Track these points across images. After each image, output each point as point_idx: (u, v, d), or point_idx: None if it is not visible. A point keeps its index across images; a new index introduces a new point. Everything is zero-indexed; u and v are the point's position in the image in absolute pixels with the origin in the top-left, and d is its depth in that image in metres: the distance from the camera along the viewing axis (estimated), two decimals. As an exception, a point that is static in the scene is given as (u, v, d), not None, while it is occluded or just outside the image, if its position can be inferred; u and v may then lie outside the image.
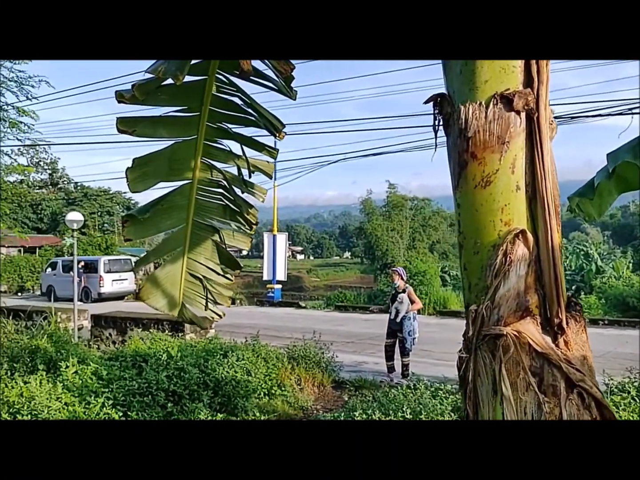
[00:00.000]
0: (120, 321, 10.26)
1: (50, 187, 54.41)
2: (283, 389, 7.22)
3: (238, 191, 2.58)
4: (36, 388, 5.42)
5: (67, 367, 6.05)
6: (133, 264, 25.33)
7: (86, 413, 5.42)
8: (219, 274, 2.76)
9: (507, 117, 1.61)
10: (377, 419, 5.27)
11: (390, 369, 8.50)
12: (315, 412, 6.96)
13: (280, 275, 21.52)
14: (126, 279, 23.68)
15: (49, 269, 24.53)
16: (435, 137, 1.71)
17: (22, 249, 38.70)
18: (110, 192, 55.10)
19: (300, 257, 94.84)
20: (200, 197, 2.59)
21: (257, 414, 6.35)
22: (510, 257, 1.53)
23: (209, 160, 2.52)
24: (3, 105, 8.09)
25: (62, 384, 5.76)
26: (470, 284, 1.66)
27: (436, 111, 1.68)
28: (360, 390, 7.48)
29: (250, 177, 2.50)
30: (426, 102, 1.67)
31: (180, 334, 9.16)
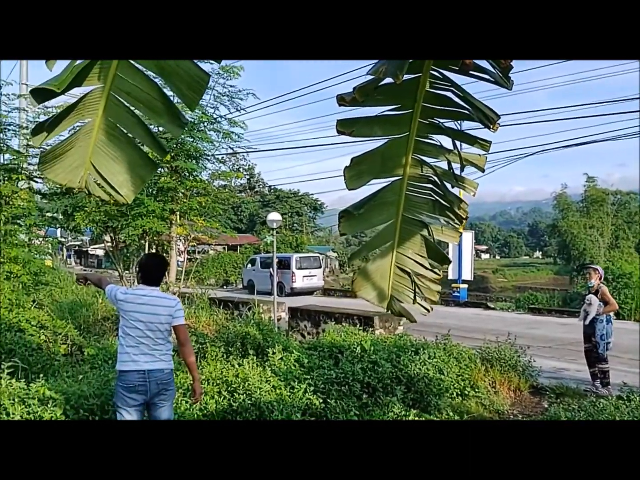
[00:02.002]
0: (315, 314, 10.88)
1: (248, 190, 59.75)
2: (477, 390, 7.03)
3: (449, 186, 2.59)
4: (249, 370, 6.02)
5: (273, 353, 6.62)
6: (321, 261, 26.76)
7: (291, 397, 5.87)
8: (427, 268, 2.79)
9: None
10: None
11: (593, 376, 7.84)
12: (512, 417, 6.65)
13: (467, 274, 20.92)
14: (315, 276, 25.02)
15: (249, 265, 26.97)
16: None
17: (226, 246, 43.20)
18: (299, 194, 58.80)
19: (485, 256, 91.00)
20: (410, 192, 2.65)
21: (451, 414, 6.28)
22: None
23: (419, 156, 2.57)
24: (218, 117, 9.15)
25: (270, 369, 6.32)
26: None
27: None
28: (561, 398, 6.95)
29: (462, 171, 2.49)
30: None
31: (370, 329, 9.41)
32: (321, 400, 5.97)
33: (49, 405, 4.41)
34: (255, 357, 6.53)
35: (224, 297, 14.41)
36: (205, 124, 9.03)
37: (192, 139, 8.82)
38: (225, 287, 31.38)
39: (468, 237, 21.74)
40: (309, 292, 24.32)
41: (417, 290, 2.81)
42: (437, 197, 2.64)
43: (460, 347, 7.88)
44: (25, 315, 7.47)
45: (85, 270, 21.34)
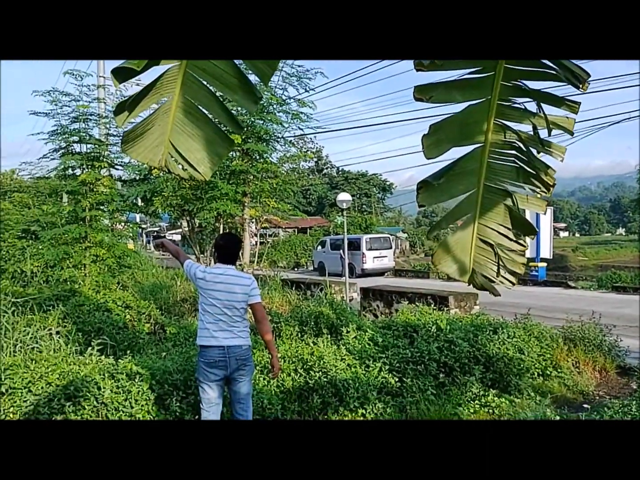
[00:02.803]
0: (387, 294, 10.77)
1: (316, 173, 59.94)
2: (559, 370, 6.75)
3: (534, 152, 2.44)
4: (324, 349, 6.06)
5: (347, 332, 6.63)
6: (391, 242, 26.50)
7: (366, 375, 5.86)
8: (511, 239, 2.65)
9: None
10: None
11: None
12: (597, 398, 6.35)
13: (545, 252, 20.02)
14: (385, 257, 24.80)
15: (319, 247, 27.10)
16: None
17: (295, 229, 43.68)
18: (368, 175, 58.37)
19: (564, 234, 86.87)
20: (493, 160, 2.52)
21: (532, 394, 6.07)
22: None
23: (502, 121, 2.43)
24: (286, 99, 9.16)
25: (344, 347, 6.33)
26: None
27: None
28: (652, 380, 6.57)
29: (549, 135, 2.33)
30: None
31: (445, 309, 9.22)
32: (397, 379, 5.93)
33: (136, 380, 4.63)
34: (329, 336, 6.56)
35: (296, 278, 14.55)
36: (274, 105, 9.07)
37: (262, 121, 8.89)
38: (296, 269, 31.77)
39: (547, 213, 20.76)
40: (379, 273, 24.13)
41: (500, 263, 2.69)
42: (521, 164, 2.50)
43: (541, 326, 7.58)
44: (111, 296, 7.88)
45: (163, 255, 22.20)
